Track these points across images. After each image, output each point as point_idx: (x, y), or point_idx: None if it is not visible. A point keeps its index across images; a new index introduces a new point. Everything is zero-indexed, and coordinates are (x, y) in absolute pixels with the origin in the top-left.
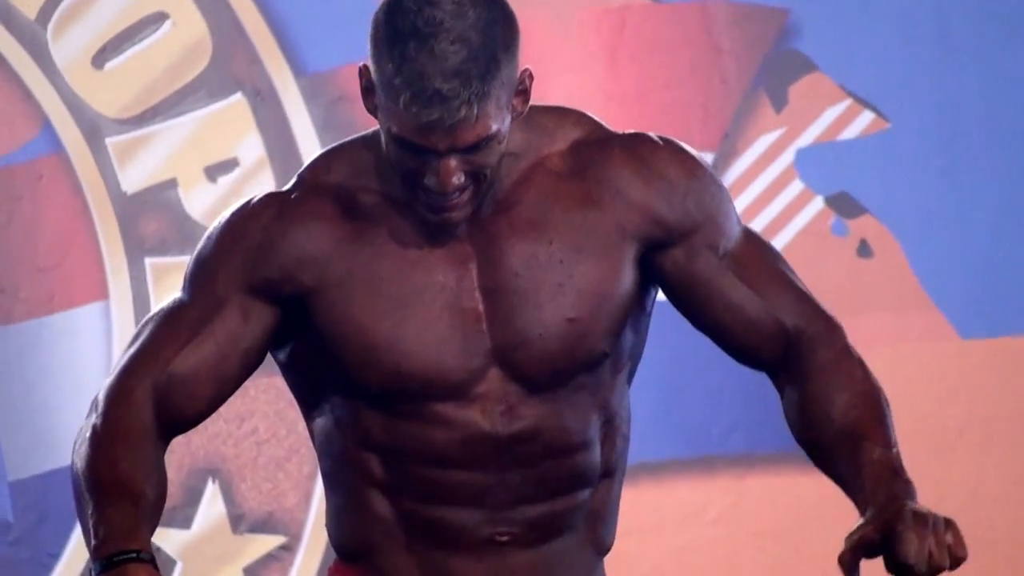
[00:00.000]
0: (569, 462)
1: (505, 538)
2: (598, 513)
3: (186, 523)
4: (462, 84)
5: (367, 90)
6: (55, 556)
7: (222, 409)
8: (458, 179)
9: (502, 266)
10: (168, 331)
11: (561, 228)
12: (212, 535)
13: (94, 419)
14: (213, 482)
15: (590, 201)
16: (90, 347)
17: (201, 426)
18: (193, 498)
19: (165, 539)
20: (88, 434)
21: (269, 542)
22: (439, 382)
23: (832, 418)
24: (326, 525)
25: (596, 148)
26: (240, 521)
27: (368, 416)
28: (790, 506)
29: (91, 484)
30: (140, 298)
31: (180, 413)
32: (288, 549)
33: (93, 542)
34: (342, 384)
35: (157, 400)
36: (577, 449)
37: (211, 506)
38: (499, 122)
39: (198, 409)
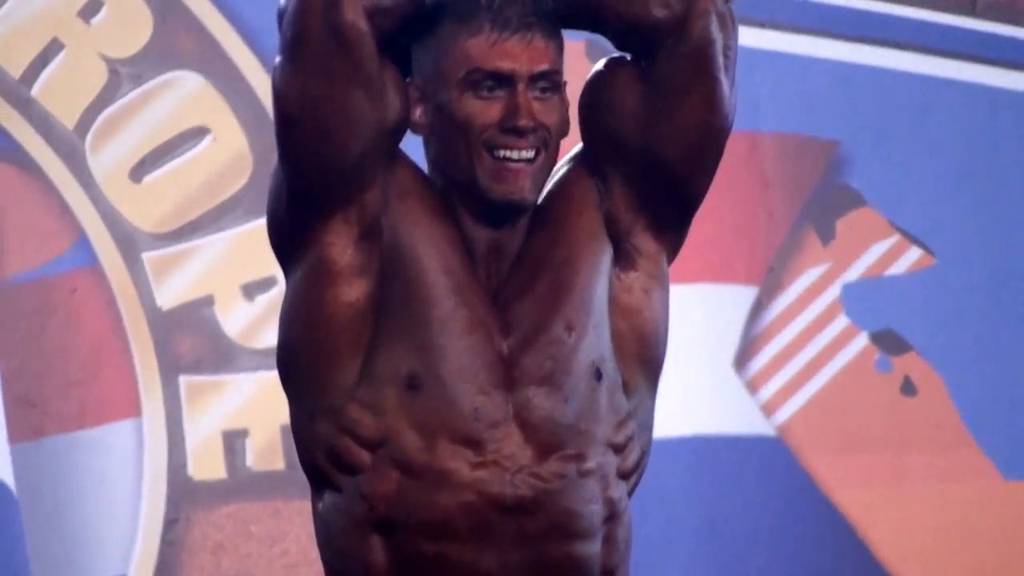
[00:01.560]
0: (570, 549)
1: None
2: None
3: None
4: (535, 6)
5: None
6: None
7: (253, 530)
8: (532, 120)
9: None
10: None
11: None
12: None
13: None
14: None
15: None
16: (121, 464)
17: (230, 545)
18: None
19: None
20: None
21: None
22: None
23: None
24: None
25: None
26: None
27: (377, 481)
28: None
29: None
30: (173, 416)
31: None
32: None
33: None
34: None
35: None
36: (579, 535)
37: None
38: (560, 69)
39: None
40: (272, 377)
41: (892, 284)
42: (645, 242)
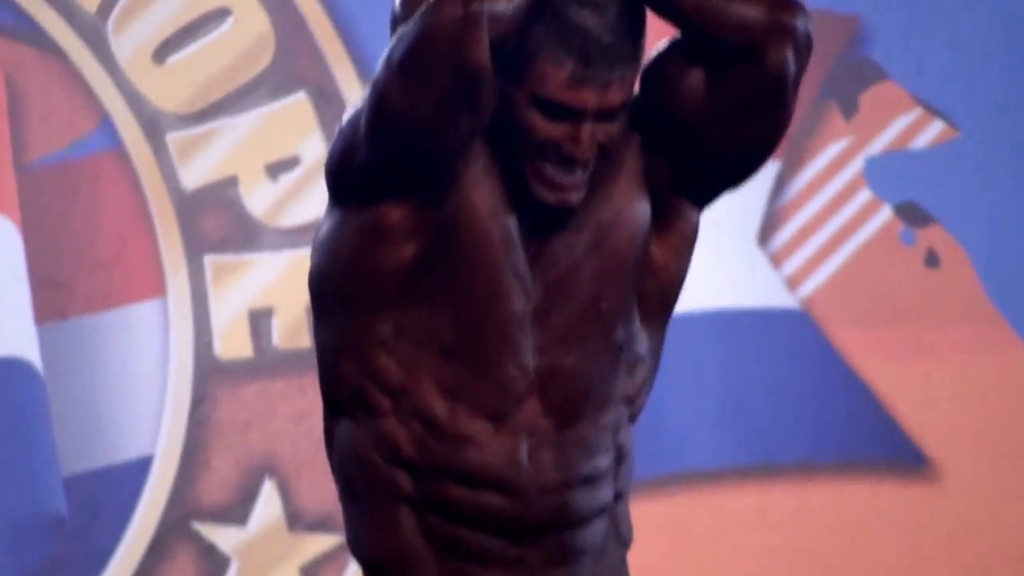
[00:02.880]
0: (587, 494)
1: (535, 559)
2: (620, 521)
3: (242, 521)
4: (619, 40)
5: None
6: (108, 552)
7: (280, 407)
8: (593, 149)
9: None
10: None
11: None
12: (268, 534)
13: None
14: (270, 480)
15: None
16: (146, 344)
17: (257, 423)
18: (249, 496)
19: (220, 537)
20: None
21: (325, 541)
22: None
23: None
24: (346, 538)
25: None
26: (297, 520)
27: (400, 432)
28: (851, 514)
29: None
30: (198, 296)
31: None
32: (345, 549)
33: None
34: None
35: None
36: (594, 483)
37: (268, 504)
38: (630, 97)
39: None
40: (297, 256)
41: (915, 157)
42: (684, 206)
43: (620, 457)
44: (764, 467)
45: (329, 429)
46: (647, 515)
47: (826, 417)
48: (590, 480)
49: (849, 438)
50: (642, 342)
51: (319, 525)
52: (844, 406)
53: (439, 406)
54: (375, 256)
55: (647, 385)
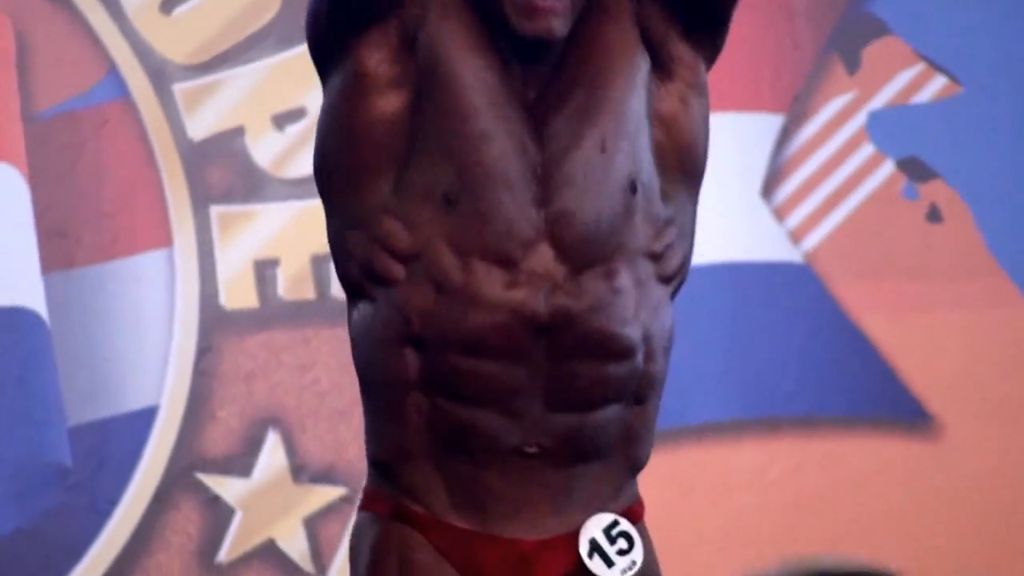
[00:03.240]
0: (604, 368)
1: (534, 450)
2: (634, 433)
3: (246, 472)
4: None
5: None
6: (113, 502)
7: (283, 358)
8: None
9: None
10: None
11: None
12: (272, 485)
13: None
14: (274, 432)
15: None
16: (152, 294)
17: (262, 374)
18: (254, 448)
19: (225, 488)
20: None
21: (330, 493)
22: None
23: None
24: (365, 439)
25: None
26: (301, 471)
27: (413, 294)
28: (853, 469)
29: None
30: (204, 246)
31: None
32: (349, 501)
33: None
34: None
35: None
36: (614, 355)
37: (272, 456)
38: None
39: None
40: (303, 207)
41: (918, 112)
42: (681, 50)
43: (648, 336)
44: (766, 421)
45: (350, 327)
46: (650, 468)
47: (828, 372)
48: (607, 348)
49: (851, 393)
50: (665, 205)
51: (323, 477)
52: (846, 361)
53: (449, 260)
54: (364, 110)
55: (678, 251)
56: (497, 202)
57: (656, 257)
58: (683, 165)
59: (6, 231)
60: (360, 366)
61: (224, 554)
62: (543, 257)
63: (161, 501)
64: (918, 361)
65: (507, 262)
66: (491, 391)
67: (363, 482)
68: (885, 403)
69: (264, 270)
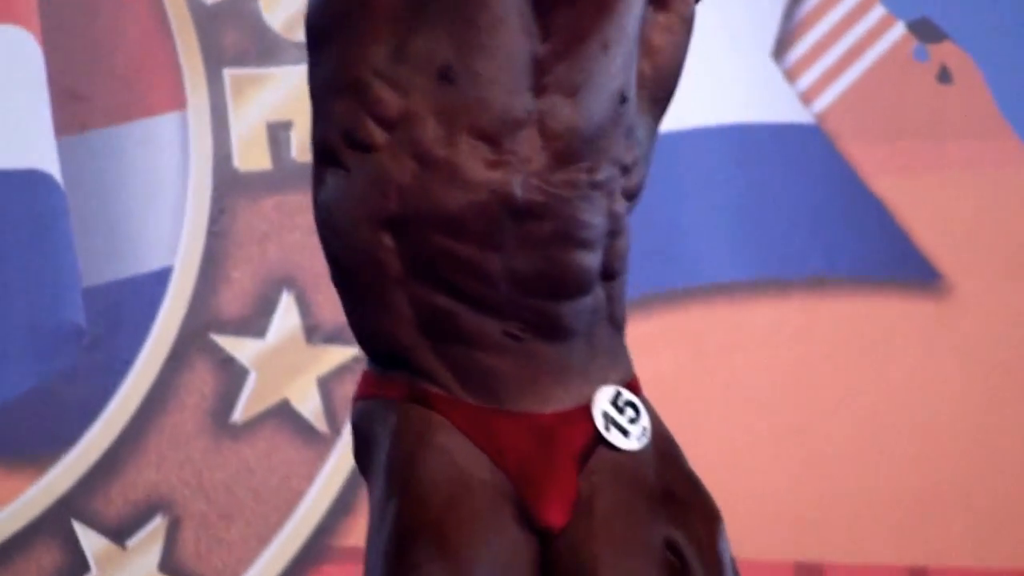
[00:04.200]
0: (573, 256)
1: (520, 334)
2: (613, 301)
3: (260, 333)
4: None
5: None
6: (128, 362)
7: (297, 219)
8: None
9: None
10: None
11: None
12: (286, 345)
13: None
14: (288, 292)
15: None
16: (166, 157)
17: (276, 235)
18: (267, 308)
19: (239, 349)
20: None
21: (343, 353)
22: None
23: None
24: (351, 328)
25: None
26: (314, 332)
27: (392, 169)
28: (863, 329)
29: None
30: (218, 109)
31: None
32: (362, 361)
33: None
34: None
35: None
36: (583, 244)
37: (286, 317)
38: None
39: None
40: None
41: None
42: None
43: (614, 230)
44: (777, 282)
45: (317, 205)
46: (662, 327)
47: (839, 232)
48: (579, 239)
49: (861, 253)
50: (636, 127)
51: (336, 337)
52: (857, 221)
53: (435, 133)
54: None
55: (641, 169)
56: (493, 82)
57: (625, 170)
58: (656, 95)
59: (19, 94)
60: (333, 247)
61: (238, 414)
62: (529, 143)
63: (176, 362)
64: (928, 221)
65: (493, 141)
66: (469, 276)
67: None
68: (895, 263)
69: (277, 132)
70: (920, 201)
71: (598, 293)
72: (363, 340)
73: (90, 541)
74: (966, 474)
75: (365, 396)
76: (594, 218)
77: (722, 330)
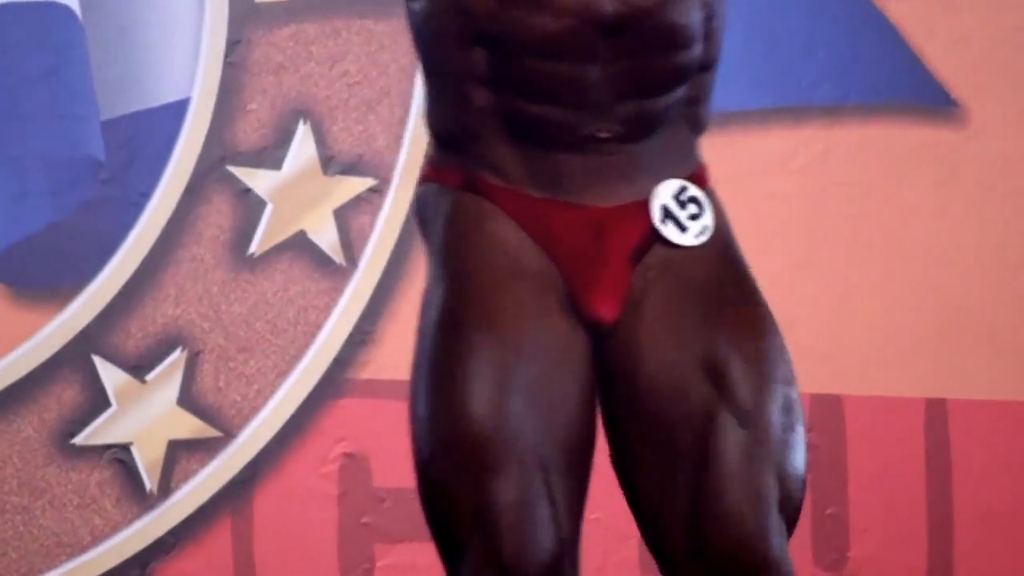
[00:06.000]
0: (672, 58)
1: (605, 135)
2: (696, 98)
3: (276, 164)
4: None
5: None
6: (146, 195)
7: (313, 50)
8: None
9: None
10: None
11: None
12: (302, 176)
13: None
14: (304, 123)
15: None
16: None
17: (292, 66)
18: (284, 139)
19: (255, 179)
20: None
21: (359, 184)
22: None
23: None
24: (425, 115)
25: None
26: (330, 163)
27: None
28: (878, 157)
29: None
30: None
31: None
32: (378, 191)
33: None
34: None
35: None
36: (681, 46)
37: (302, 147)
38: None
39: None
40: None
41: None
42: None
43: (709, 15)
44: (792, 109)
45: (410, 13)
46: None
47: (854, 58)
48: (677, 41)
49: (877, 79)
50: None
51: (353, 168)
52: (872, 47)
53: None
54: None
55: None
56: None
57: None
58: None
59: None
60: (424, 54)
61: (255, 246)
62: None
63: (193, 193)
64: (944, 47)
65: None
66: (561, 89)
67: (392, 173)
68: (911, 89)
69: None
70: (935, 27)
71: (688, 87)
72: (434, 125)
73: (110, 375)
74: (985, 305)
75: (425, 180)
76: (689, 15)
77: (737, 159)
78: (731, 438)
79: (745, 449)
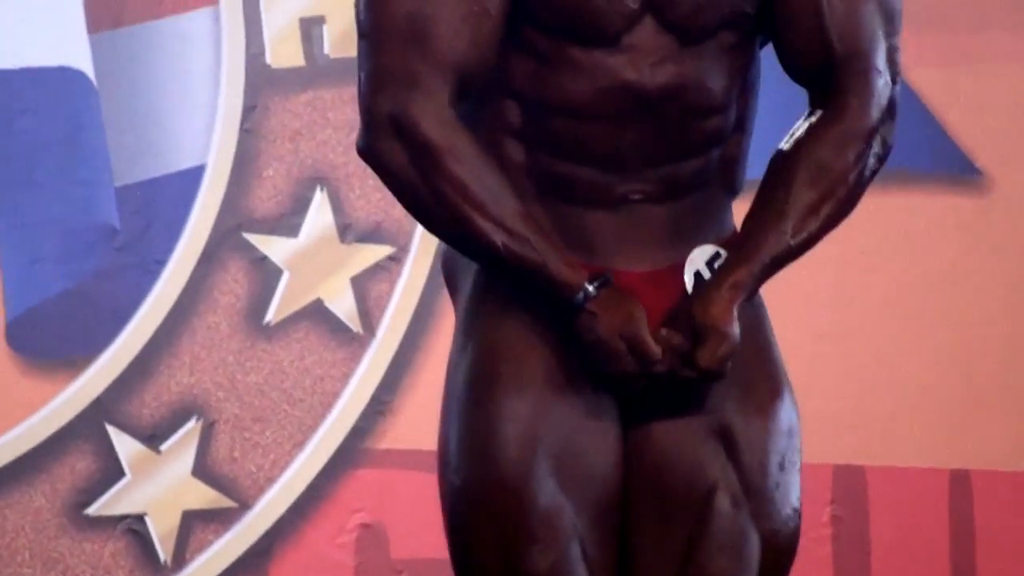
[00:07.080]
0: (707, 123)
1: (638, 196)
2: (731, 159)
3: (293, 232)
4: None
5: None
6: (161, 262)
7: (330, 116)
8: None
9: None
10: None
11: None
12: (320, 244)
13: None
14: (321, 190)
15: None
16: (199, 53)
17: (308, 132)
18: (301, 207)
19: (271, 247)
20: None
21: (377, 252)
22: (592, 19)
23: (790, 182)
24: None
25: None
26: (348, 230)
27: (513, 62)
28: (901, 225)
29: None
30: (250, 4)
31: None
32: (396, 260)
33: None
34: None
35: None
36: (716, 110)
37: (319, 215)
38: None
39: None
40: None
41: None
42: None
43: (744, 92)
44: None
45: None
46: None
47: None
48: (712, 106)
49: (899, 147)
50: None
51: (370, 235)
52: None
53: (543, 42)
54: None
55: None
56: None
57: (749, 19)
58: None
59: None
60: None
61: (272, 314)
62: (646, 29)
63: (209, 261)
64: (966, 114)
65: (609, 39)
66: (594, 149)
67: (411, 241)
68: (934, 157)
69: (310, 28)
70: (958, 94)
71: (724, 148)
72: None
73: (124, 445)
74: (1009, 374)
75: None
76: (726, 82)
77: None
78: (729, 512)
79: (742, 529)
